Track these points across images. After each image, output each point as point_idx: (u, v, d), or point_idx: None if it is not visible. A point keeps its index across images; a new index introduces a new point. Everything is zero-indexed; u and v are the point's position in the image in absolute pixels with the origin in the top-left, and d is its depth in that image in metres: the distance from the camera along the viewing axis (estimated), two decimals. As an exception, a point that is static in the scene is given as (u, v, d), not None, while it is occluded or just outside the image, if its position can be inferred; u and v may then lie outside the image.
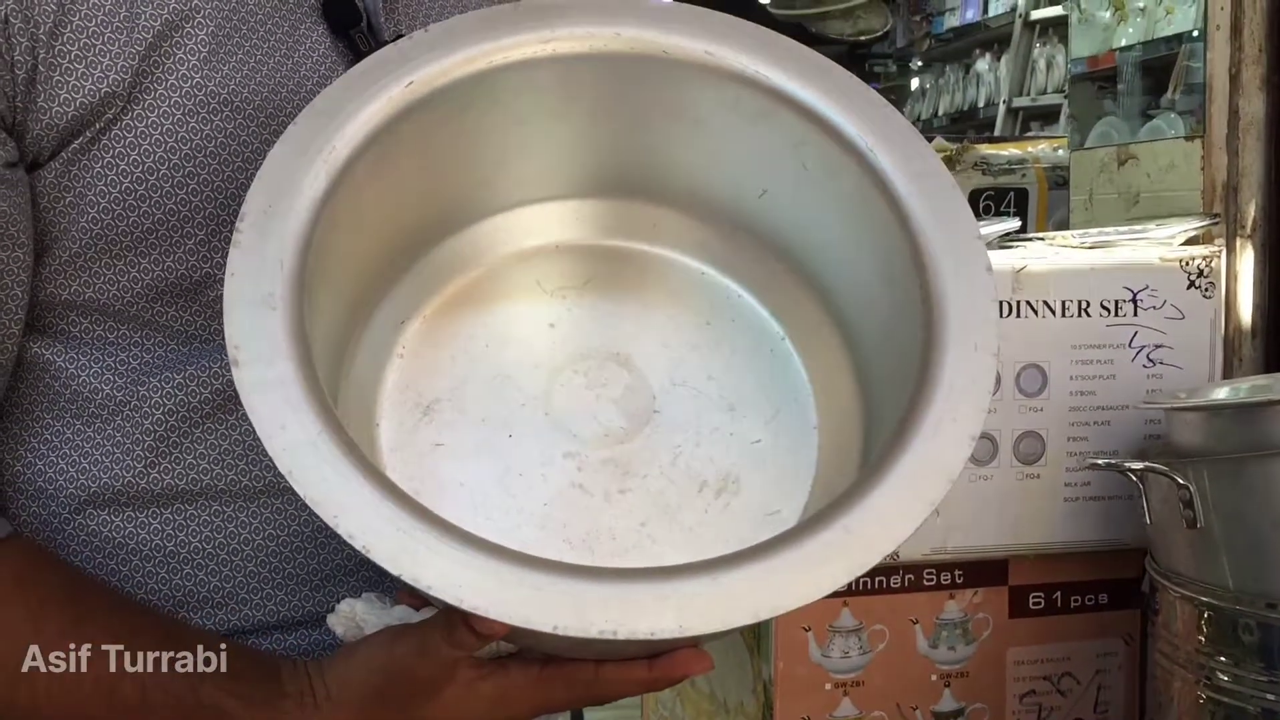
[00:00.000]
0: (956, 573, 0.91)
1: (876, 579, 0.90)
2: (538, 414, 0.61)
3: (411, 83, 0.57)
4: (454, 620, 0.51)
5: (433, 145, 0.60)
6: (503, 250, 0.65)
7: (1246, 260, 0.98)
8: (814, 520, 0.50)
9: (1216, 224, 0.97)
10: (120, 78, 0.60)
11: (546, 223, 0.65)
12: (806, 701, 0.89)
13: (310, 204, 0.53)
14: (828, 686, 0.90)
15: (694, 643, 0.51)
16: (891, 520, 0.49)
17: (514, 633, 0.49)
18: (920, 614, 0.91)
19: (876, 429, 0.56)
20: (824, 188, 0.60)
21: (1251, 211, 0.98)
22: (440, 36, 0.59)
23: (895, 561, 0.88)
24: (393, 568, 0.46)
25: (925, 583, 0.91)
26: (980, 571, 0.91)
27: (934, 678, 0.91)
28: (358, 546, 0.47)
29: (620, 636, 0.46)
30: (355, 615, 0.56)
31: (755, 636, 0.92)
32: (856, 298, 0.61)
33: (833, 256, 0.62)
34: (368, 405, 0.60)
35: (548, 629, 0.46)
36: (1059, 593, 0.93)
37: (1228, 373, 0.95)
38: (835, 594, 0.90)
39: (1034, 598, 0.93)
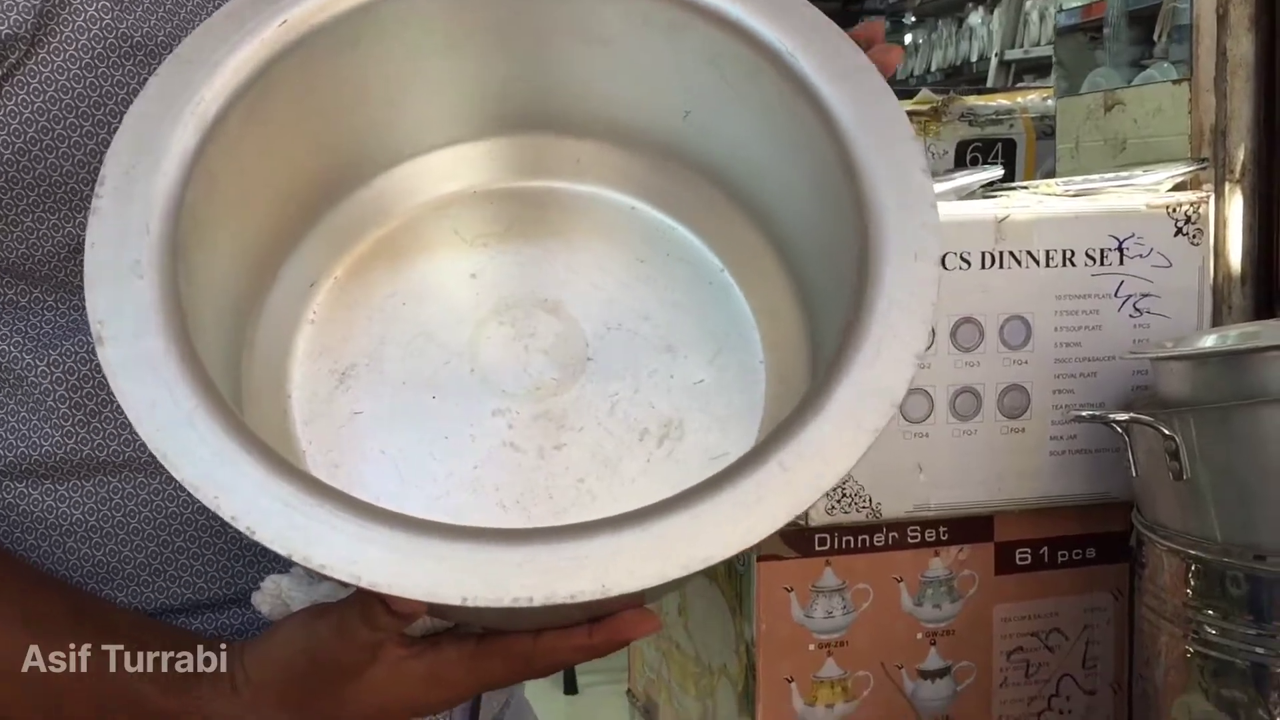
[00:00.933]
0: (941, 529, 0.89)
1: (860, 537, 0.88)
2: (463, 371, 0.58)
3: (285, 21, 0.53)
4: (369, 600, 0.48)
5: (317, 90, 0.56)
6: (415, 200, 0.62)
7: (1235, 205, 0.96)
8: (746, 460, 0.46)
9: (1205, 169, 0.95)
10: (22, 19, 0.56)
11: (460, 167, 0.62)
12: (789, 662, 0.88)
13: (179, 162, 0.50)
14: (811, 647, 0.88)
15: (636, 601, 0.49)
16: (831, 453, 0.45)
17: (437, 608, 0.47)
18: (904, 572, 0.89)
19: (824, 359, 0.54)
20: (747, 99, 0.56)
21: (1240, 155, 0.96)
22: None
23: (878, 519, 0.86)
24: (281, 548, 0.43)
25: (909, 540, 0.89)
26: (965, 528, 0.90)
27: (919, 636, 0.90)
28: (242, 529, 0.43)
29: (537, 603, 0.43)
30: (281, 592, 0.54)
31: (737, 597, 0.91)
32: (793, 218, 0.57)
33: (766, 176, 0.58)
34: (277, 377, 0.57)
35: (456, 601, 0.43)
36: (1046, 548, 0.91)
37: (1217, 321, 0.93)
38: (817, 553, 0.90)
39: (1020, 553, 0.91)
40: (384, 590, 0.43)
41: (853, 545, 0.88)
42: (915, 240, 0.49)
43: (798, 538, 0.87)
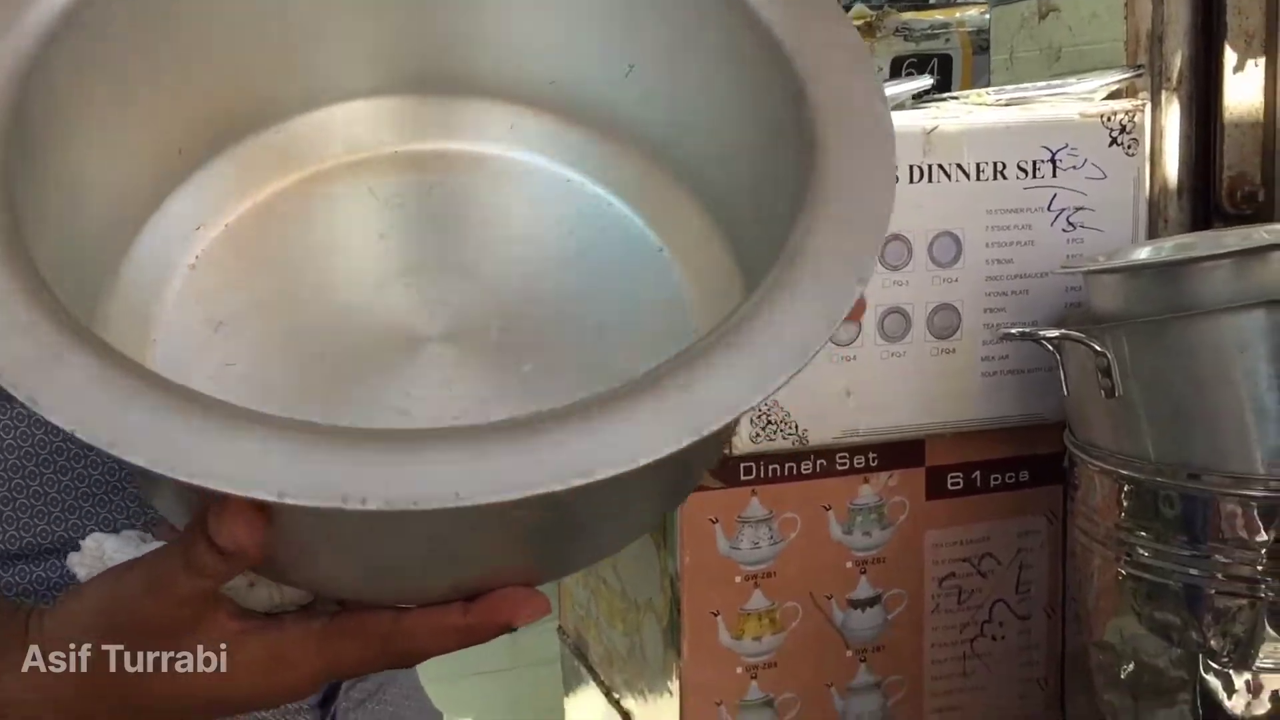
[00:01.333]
0: (870, 455, 0.87)
1: (786, 465, 0.85)
2: (356, 333, 0.52)
3: None
4: (192, 537, 0.40)
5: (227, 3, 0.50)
6: (329, 151, 0.56)
7: (1172, 114, 0.92)
8: (648, 377, 0.41)
9: (1140, 76, 0.92)
10: None
11: (383, 121, 0.56)
12: (715, 594, 0.85)
13: (35, 39, 0.43)
14: (738, 579, 0.85)
15: (524, 577, 0.42)
16: (736, 385, 0.40)
17: (280, 561, 0.40)
18: (833, 500, 0.86)
19: None
20: (693, 48, 0.51)
21: (1177, 62, 0.92)
22: None
23: (805, 446, 0.83)
24: (61, 419, 0.36)
25: (838, 467, 0.86)
26: (895, 453, 0.87)
27: (849, 565, 0.87)
28: (22, 398, 0.36)
29: (371, 507, 0.35)
30: (104, 554, 0.45)
31: (661, 530, 0.88)
32: (736, 183, 0.52)
33: (712, 139, 0.53)
34: (143, 318, 0.50)
35: (272, 496, 0.36)
36: (978, 472, 0.89)
37: (1153, 234, 0.90)
38: (743, 483, 0.86)
39: (952, 478, 0.88)
40: (185, 479, 0.36)
41: (779, 474, 0.85)
42: (866, 185, 0.44)
43: (722, 467, 0.84)
